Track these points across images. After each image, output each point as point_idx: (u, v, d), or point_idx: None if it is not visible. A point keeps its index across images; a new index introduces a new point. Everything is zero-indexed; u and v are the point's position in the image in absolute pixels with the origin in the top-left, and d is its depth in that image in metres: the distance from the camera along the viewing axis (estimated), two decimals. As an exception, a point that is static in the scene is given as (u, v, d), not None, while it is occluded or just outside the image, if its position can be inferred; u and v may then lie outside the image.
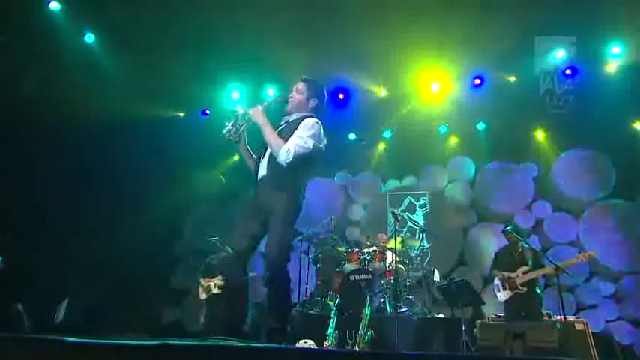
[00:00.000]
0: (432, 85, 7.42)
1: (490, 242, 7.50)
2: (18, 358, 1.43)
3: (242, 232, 3.14)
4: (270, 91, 7.92)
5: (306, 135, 3.10)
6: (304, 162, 3.10)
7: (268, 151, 3.18)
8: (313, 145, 3.10)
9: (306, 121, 3.20)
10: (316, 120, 3.23)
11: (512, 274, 5.26)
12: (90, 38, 6.74)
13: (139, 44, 6.59)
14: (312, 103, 3.34)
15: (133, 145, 7.31)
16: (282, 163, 3.05)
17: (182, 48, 6.67)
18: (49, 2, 6.18)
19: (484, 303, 5.68)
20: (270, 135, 3.13)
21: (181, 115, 8.35)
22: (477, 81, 7.29)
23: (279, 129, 3.26)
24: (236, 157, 9.12)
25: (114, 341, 1.48)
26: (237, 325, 3.17)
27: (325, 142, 3.27)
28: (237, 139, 3.32)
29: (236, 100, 8.09)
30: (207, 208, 9.04)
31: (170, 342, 1.53)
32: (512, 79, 7.24)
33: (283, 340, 2.90)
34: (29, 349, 1.43)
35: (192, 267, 8.26)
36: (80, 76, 6.57)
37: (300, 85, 3.36)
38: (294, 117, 3.30)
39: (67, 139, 6.59)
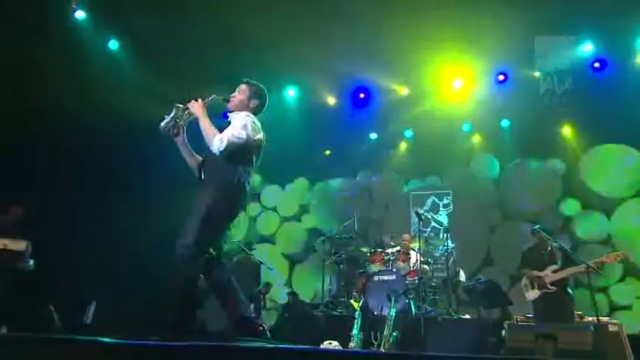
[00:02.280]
0: (455, 82, 7.32)
1: (517, 241, 7.33)
2: (54, 358, 1.46)
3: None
4: (291, 92, 7.96)
5: (239, 126, 3.14)
6: (239, 153, 3.12)
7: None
8: (247, 136, 3.12)
9: (238, 115, 3.26)
10: (248, 114, 3.28)
11: (541, 273, 5.13)
12: (114, 44, 6.89)
13: (159, 49, 6.70)
14: (253, 103, 3.38)
15: (156, 148, 7.41)
16: (216, 151, 3.07)
17: (202, 52, 6.75)
18: (75, 11, 6.35)
19: (511, 303, 5.56)
20: (205, 125, 3.16)
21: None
22: (501, 77, 7.16)
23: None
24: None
25: (144, 342, 1.50)
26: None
27: (261, 136, 3.27)
28: (175, 132, 3.29)
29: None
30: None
31: (196, 342, 1.54)
32: (537, 74, 7.08)
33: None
34: (64, 350, 1.46)
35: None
36: (105, 82, 6.72)
37: (243, 87, 3.40)
38: (234, 114, 3.33)
39: (92, 143, 6.74)
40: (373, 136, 8.69)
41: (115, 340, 1.48)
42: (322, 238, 7.47)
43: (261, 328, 3.01)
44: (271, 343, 2.34)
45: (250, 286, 6.71)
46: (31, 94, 6.11)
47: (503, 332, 4.80)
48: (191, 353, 1.41)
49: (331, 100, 8.14)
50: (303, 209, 8.96)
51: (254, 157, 3.27)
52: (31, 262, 4.53)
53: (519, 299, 5.85)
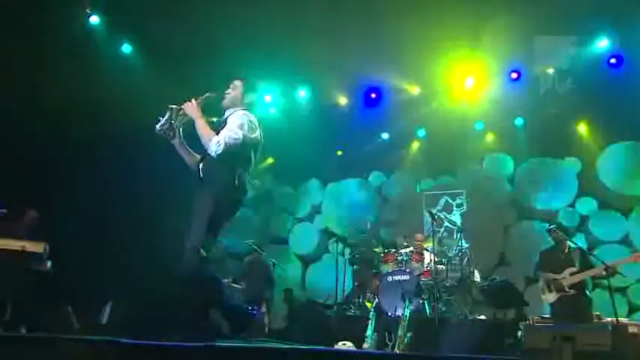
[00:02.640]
0: (467, 81, 7.25)
1: (532, 241, 7.25)
2: (74, 358, 1.48)
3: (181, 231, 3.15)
4: (302, 93, 7.97)
5: (235, 126, 3.10)
6: (237, 153, 3.10)
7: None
8: (244, 136, 3.09)
9: (234, 113, 3.22)
10: (245, 111, 3.24)
11: (559, 276, 5.04)
12: (127, 49, 6.97)
13: (172, 53, 6.75)
14: (247, 99, 3.36)
15: (171, 151, 7.47)
16: (213, 154, 3.05)
17: (213, 55, 6.79)
18: (90, 16, 6.43)
19: (527, 304, 5.48)
20: (201, 127, 3.13)
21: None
22: (514, 75, 7.07)
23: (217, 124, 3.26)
24: (270, 160, 9.22)
25: (163, 343, 1.51)
26: None
27: (258, 133, 3.24)
28: (171, 133, 3.28)
29: (268, 103, 8.18)
30: (241, 211, 9.15)
31: (216, 344, 1.54)
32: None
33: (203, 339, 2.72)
34: (85, 350, 1.48)
35: (228, 270, 8.39)
36: (119, 85, 6.79)
37: (237, 83, 3.37)
38: (228, 112, 3.30)
39: (107, 145, 6.81)
40: (385, 136, 8.66)
41: (134, 341, 1.49)
42: (335, 238, 7.48)
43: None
44: (286, 344, 2.34)
45: (263, 287, 6.74)
46: (45, 98, 6.19)
47: (520, 333, 4.74)
48: (209, 354, 1.42)
49: (343, 101, 8.13)
50: (316, 210, 8.96)
51: (252, 156, 3.24)
52: (49, 263, 4.59)
53: (535, 300, 5.77)
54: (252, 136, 3.17)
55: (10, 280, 4.42)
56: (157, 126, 3.28)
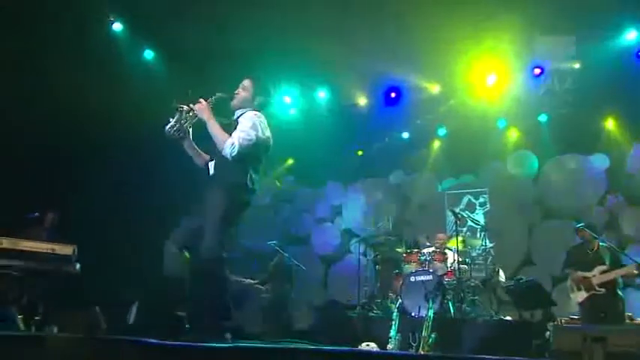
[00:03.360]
0: (488, 77, 7.12)
1: (558, 240, 7.07)
2: (105, 358, 1.50)
3: (185, 231, 3.19)
4: (321, 94, 7.96)
5: (247, 127, 3.11)
6: (249, 154, 3.11)
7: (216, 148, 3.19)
8: (256, 136, 3.11)
9: (245, 114, 3.22)
10: (256, 112, 3.23)
11: (588, 274, 4.90)
12: (149, 54, 7.08)
13: (192, 57, 6.83)
14: (258, 100, 3.34)
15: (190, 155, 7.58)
16: (228, 156, 3.06)
17: (232, 58, 6.84)
18: (112, 24, 6.57)
19: (555, 304, 5.34)
20: (214, 129, 3.14)
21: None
22: (537, 70, 6.90)
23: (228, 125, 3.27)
24: (290, 162, 9.24)
25: (190, 344, 1.52)
26: None
27: (269, 134, 3.24)
28: (181, 135, 3.28)
29: (288, 104, 8.20)
30: (263, 212, 9.21)
31: (242, 345, 1.55)
32: (577, 65, 6.79)
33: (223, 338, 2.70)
34: (113, 350, 1.50)
35: (253, 271, 8.43)
36: (141, 91, 6.91)
37: (247, 83, 3.35)
38: (238, 113, 3.30)
39: (130, 149, 6.94)
40: (405, 135, 8.58)
41: (160, 342, 1.51)
42: (357, 239, 7.44)
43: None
44: (312, 345, 2.33)
45: (289, 289, 6.76)
46: (68, 104, 6.34)
47: (548, 334, 4.62)
48: (235, 354, 1.42)
49: (362, 101, 8.09)
50: (336, 210, 8.94)
51: (262, 156, 3.27)
52: (78, 265, 4.69)
53: (562, 300, 5.63)
54: (264, 136, 3.18)
55: (41, 282, 4.54)
56: (167, 127, 3.28)
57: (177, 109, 3.28)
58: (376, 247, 6.78)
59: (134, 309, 6.27)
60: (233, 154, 3.04)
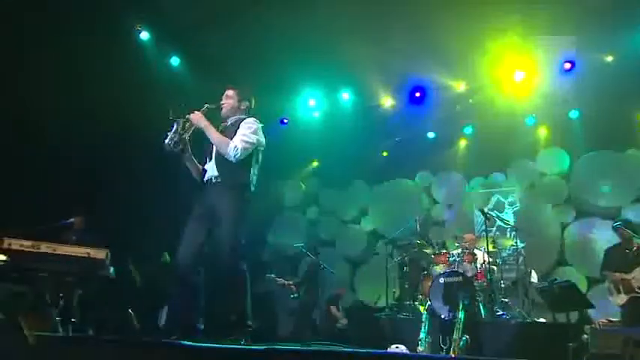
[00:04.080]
0: (516, 73, 6.96)
1: (594, 239, 6.85)
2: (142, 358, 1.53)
3: (194, 235, 3.25)
4: (345, 96, 7.94)
5: (248, 132, 3.30)
6: (250, 157, 3.32)
7: (214, 153, 3.34)
8: (257, 140, 3.32)
9: (246, 120, 3.40)
10: (255, 119, 3.42)
11: (628, 276, 4.70)
12: (175, 61, 7.22)
13: (216, 63, 6.92)
14: (244, 105, 3.53)
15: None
16: (232, 159, 3.22)
17: (256, 61, 6.90)
18: (140, 33, 6.73)
19: (593, 306, 5.15)
20: (215, 135, 3.30)
21: (260, 126, 8.61)
22: (567, 65, 6.69)
23: (221, 131, 3.42)
24: (314, 164, 9.26)
25: (223, 345, 1.53)
26: None
27: (263, 140, 3.43)
28: (180, 147, 3.37)
29: (312, 107, 8.22)
30: (289, 214, 9.26)
31: (276, 347, 1.55)
32: (610, 58, 6.56)
33: (242, 335, 2.78)
34: (152, 352, 1.52)
35: (281, 273, 8.47)
36: (166, 97, 7.04)
37: (230, 92, 3.53)
38: (232, 120, 3.47)
39: (159, 154, 7.06)
40: (431, 135, 8.47)
41: (195, 344, 1.53)
42: (384, 240, 7.38)
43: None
44: (346, 347, 2.32)
45: (321, 290, 6.76)
46: (97, 113, 6.52)
47: (585, 337, 4.46)
48: (271, 356, 1.42)
49: (386, 101, 8.03)
50: (363, 212, 8.90)
51: (259, 159, 3.46)
52: (111, 269, 4.81)
53: (600, 302, 5.43)
54: (262, 140, 3.40)
55: (78, 285, 4.68)
56: (166, 141, 3.36)
57: (174, 121, 3.38)
58: (404, 249, 6.70)
59: (164, 312, 6.40)
60: (237, 156, 3.21)
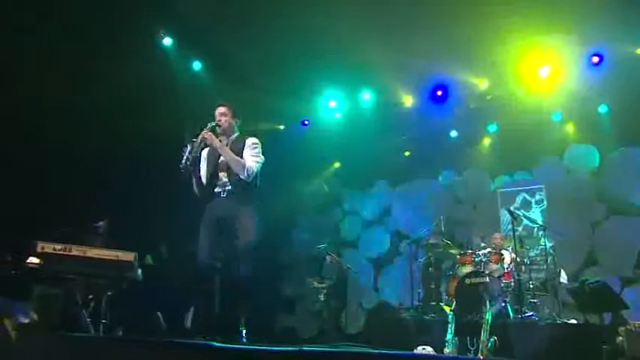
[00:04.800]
0: (541, 69, 6.79)
1: (626, 238, 6.61)
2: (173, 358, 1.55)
3: (209, 240, 3.57)
4: (366, 96, 7.91)
5: (256, 152, 3.67)
6: (257, 174, 3.69)
7: (226, 168, 3.63)
8: (262, 158, 3.68)
9: (251, 139, 3.72)
10: (256, 138, 3.76)
11: (664, 275, 4.54)
12: (197, 66, 7.33)
13: (238, 65, 6.99)
14: (236, 122, 3.81)
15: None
16: (246, 178, 3.56)
17: (277, 63, 6.94)
18: (163, 39, 6.86)
19: (627, 307, 4.98)
20: (229, 154, 3.58)
21: (281, 127, 8.68)
22: (595, 59, 6.50)
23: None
24: (336, 164, 9.25)
25: (254, 347, 1.54)
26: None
27: None
28: (192, 168, 3.62)
29: (333, 108, 8.22)
30: (312, 216, 9.27)
31: (306, 348, 1.55)
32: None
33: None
34: (181, 353, 1.55)
35: (304, 275, 8.49)
36: (190, 100, 7.15)
37: (224, 109, 3.77)
38: (234, 137, 3.76)
39: (180, 156, 7.16)
40: (453, 133, 8.35)
41: (225, 345, 1.54)
42: (408, 240, 7.32)
43: None
44: (373, 349, 2.31)
45: (341, 292, 6.75)
46: (120, 120, 6.67)
47: (619, 339, 4.31)
48: (302, 358, 1.43)
49: (408, 100, 7.96)
50: (386, 212, 8.84)
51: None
52: (139, 271, 4.91)
53: (634, 302, 5.25)
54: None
55: (108, 287, 4.80)
56: (182, 164, 3.58)
57: (191, 142, 3.59)
58: (428, 249, 6.63)
59: (190, 313, 6.50)
60: (251, 176, 3.56)
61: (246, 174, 3.53)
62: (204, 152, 3.78)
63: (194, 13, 6.29)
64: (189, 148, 3.57)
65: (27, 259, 4.44)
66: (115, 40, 6.04)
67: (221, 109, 3.76)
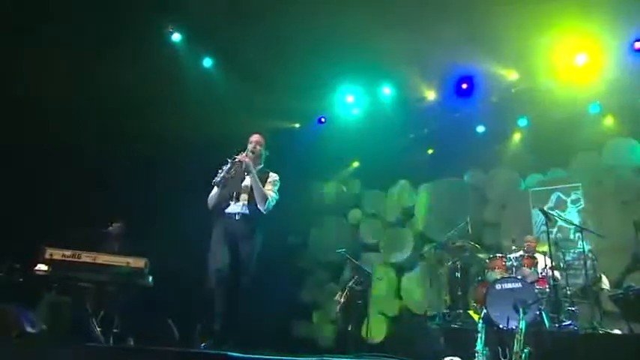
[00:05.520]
0: (577, 57, 6.63)
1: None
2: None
3: (222, 254, 3.94)
4: (386, 90, 7.84)
5: (276, 189, 4.13)
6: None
7: (247, 195, 4.02)
8: (277, 197, 4.13)
9: (273, 175, 4.17)
10: (277, 175, 4.19)
11: None
12: (208, 62, 7.38)
13: (251, 62, 7.02)
14: (265, 153, 4.19)
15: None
16: (263, 210, 3.99)
17: (289, 58, 6.94)
18: (172, 34, 6.93)
19: (677, 316, 4.83)
20: (257, 183, 3.97)
21: (297, 126, 8.67)
22: (638, 45, 6.31)
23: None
24: (355, 164, 9.20)
25: (274, 357, 1.53)
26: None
27: None
28: (222, 184, 3.99)
29: (350, 104, 8.18)
30: (330, 218, 9.24)
31: (327, 357, 1.52)
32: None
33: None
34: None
35: (322, 281, 8.47)
36: (201, 97, 7.21)
37: (259, 138, 4.15)
38: (259, 167, 4.13)
39: (196, 157, 7.23)
40: (480, 129, 8.22)
41: (244, 355, 1.52)
42: (432, 244, 7.23)
43: None
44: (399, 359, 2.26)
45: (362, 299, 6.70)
46: (132, 118, 6.76)
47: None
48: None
49: (431, 95, 7.87)
50: (408, 214, 8.75)
51: None
52: (150, 278, 4.96)
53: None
54: None
55: (118, 294, 4.86)
56: (218, 177, 3.93)
57: (232, 161, 3.93)
58: (455, 253, 6.54)
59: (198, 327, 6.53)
60: (268, 209, 4.00)
61: (265, 206, 3.97)
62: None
63: (204, 8, 6.33)
64: (228, 166, 3.92)
65: (35, 265, 4.54)
66: (123, 36, 6.12)
67: (257, 137, 4.13)
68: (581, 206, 7.52)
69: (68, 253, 4.50)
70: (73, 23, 5.89)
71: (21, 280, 4.74)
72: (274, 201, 4.06)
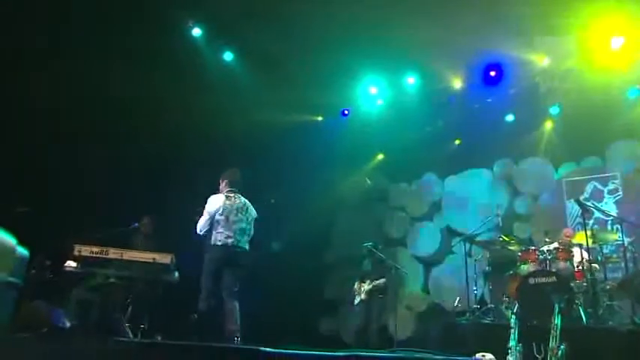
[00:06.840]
0: (613, 40, 6.38)
1: None
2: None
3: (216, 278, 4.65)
4: (411, 80, 7.73)
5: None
6: None
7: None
8: None
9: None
10: None
11: None
12: (229, 56, 7.41)
13: (272, 55, 7.01)
14: None
15: (277, 154, 7.81)
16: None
17: (313, 52, 6.90)
18: (192, 29, 6.98)
19: None
20: None
21: (320, 119, 8.64)
22: (679, 25, 6.03)
23: None
24: (380, 157, 9.12)
25: (305, 352, 1.51)
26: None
27: None
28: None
29: (374, 95, 8.10)
30: (354, 213, 9.19)
31: (359, 352, 1.51)
32: None
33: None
34: (232, 356, 1.53)
35: (347, 276, 8.41)
36: (222, 92, 7.25)
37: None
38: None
39: (216, 152, 7.29)
40: (510, 118, 8.03)
41: (277, 350, 1.52)
42: (460, 237, 7.12)
43: None
44: (436, 354, 2.23)
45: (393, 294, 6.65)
46: (158, 114, 6.85)
47: None
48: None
49: (457, 83, 7.72)
50: (435, 207, 8.64)
51: None
52: (176, 274, 5.03)
53: None
54: None
55: (144, 290, 4.94)
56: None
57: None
58: (484, 246, 6.42)
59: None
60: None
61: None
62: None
63: (223, 2, 6.36)
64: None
65: (65, 262, 4.66)
66: (144, 31, 6.19)
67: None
68: (620, 196, 7.30)
69: (96, 249, 4.61)
70: (93, 23, 6.00)
71: (51, 276, 4.86)
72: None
